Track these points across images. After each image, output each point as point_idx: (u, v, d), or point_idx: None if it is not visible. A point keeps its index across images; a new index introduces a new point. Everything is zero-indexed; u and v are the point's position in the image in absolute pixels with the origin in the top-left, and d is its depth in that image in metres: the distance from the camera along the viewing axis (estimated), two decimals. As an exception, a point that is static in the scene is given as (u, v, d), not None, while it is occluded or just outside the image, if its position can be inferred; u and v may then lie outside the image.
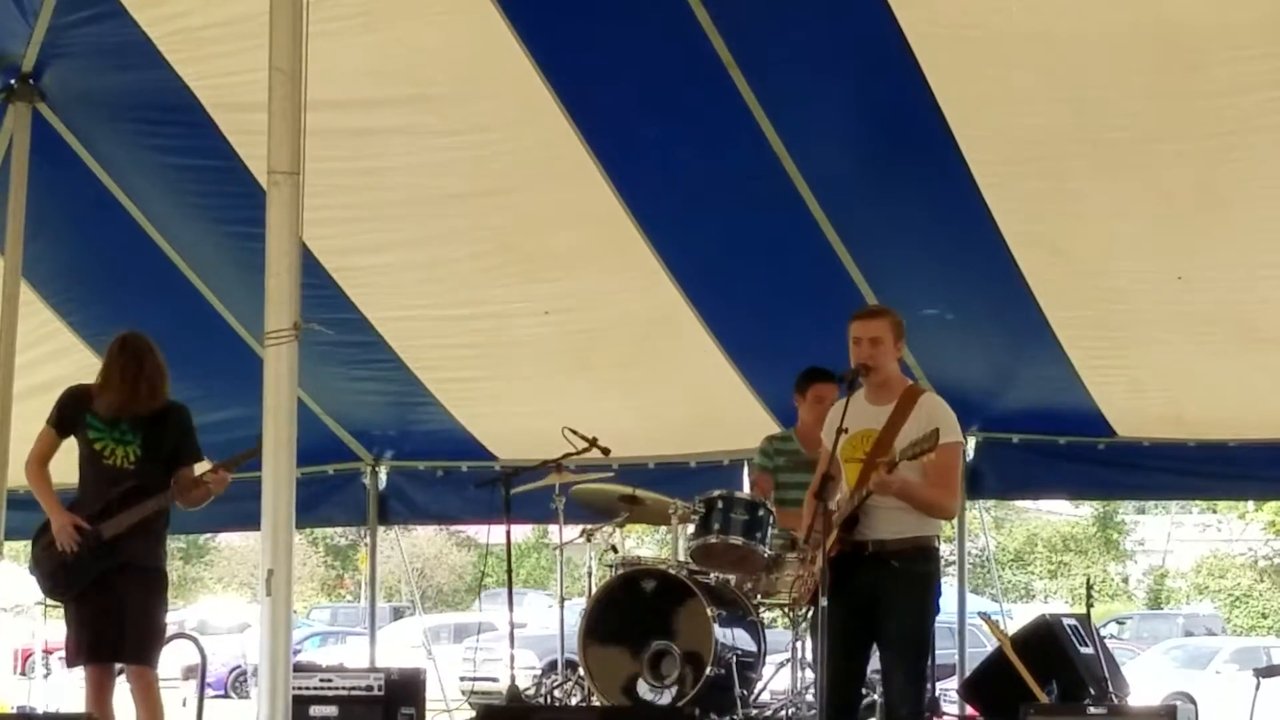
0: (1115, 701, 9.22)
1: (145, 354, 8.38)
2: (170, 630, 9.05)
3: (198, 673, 10.36)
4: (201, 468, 8.50)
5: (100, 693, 8.24)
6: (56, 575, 8.28)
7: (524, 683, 10.87)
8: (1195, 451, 10.89)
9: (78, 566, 8.18)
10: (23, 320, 9.94)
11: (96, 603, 8.15)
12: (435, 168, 9.82)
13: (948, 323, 10.30)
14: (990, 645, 9.87)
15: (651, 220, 9.97)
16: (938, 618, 7.89)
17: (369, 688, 9.05)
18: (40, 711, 12.65)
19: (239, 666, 31.92)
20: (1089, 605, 10.53)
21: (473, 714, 9.69)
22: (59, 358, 11.53)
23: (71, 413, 8.43)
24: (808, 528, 7.71)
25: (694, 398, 11.46)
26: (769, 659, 9.48)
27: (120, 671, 8.47)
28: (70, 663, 8.45)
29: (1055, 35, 8.10)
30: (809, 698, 8.99)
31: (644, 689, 8.93)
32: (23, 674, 27.24)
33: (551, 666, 15.88)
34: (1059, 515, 51.51)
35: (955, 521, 12.08)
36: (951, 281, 10.02)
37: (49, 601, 8.50)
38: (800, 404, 9.73)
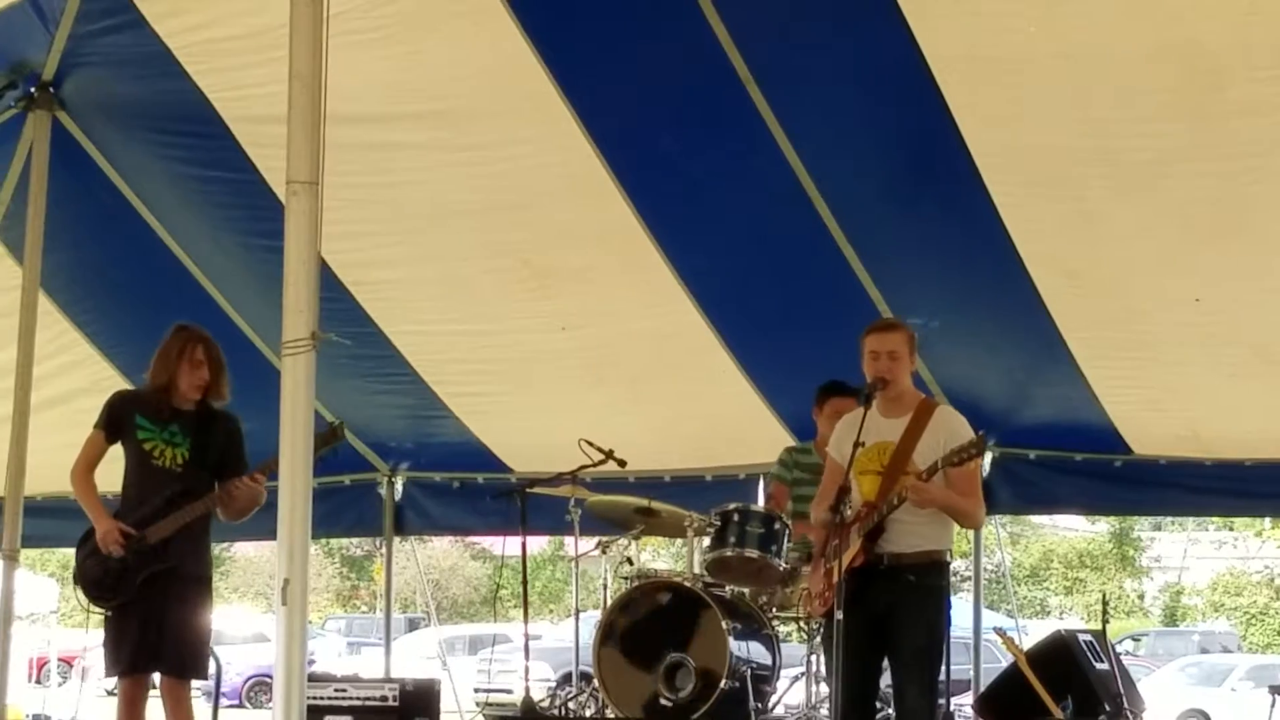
0: (1130, 718, 9.21)
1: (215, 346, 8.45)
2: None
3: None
4: None
5: (133, 705, 8.18)
6: (102, 582, 8.18)
7: (539, 694, 10.86)
8: (1211, 470, 10.87)
9: (123, 572, 8.11)
10: (39, 331, 9.95)
11: (141, 611, 8.08)
12: (453, 182, 9.83)
13: (966, 339, 10.30)
14: (1005, 661, 9.86)
15: (668, 236, 9.98)
16: (953, 633, 7.88)
17: (384, 698, 9.06)
18: (54, 720, 12.69)
19: (254, 676, 32.01)
20: (1104, 621, 10.51)
21: (487, 726, 9.70)
22: (75, 369, 11.57)
23: (120, 414, 8.35)
24: (823, 542, 7.71)
25: (710, 412, 11.46)
26: (784, 672, 9.48)
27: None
28: (109, 671, 8.31)
29: (1073, 56, 8.08)
30: (824, 712, 8.99)
31: (658, 701, 8.92)
32: (37, 682, 27.26)
33: (566, 678, 15.87)
34: (1075, 531, 51.49)
35: (971, 537, 12.09)
36: (968, 299, 10.01)
37: (92, 609, 8.30)
38: (818, 417, 9.72)
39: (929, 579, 7.55)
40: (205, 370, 8.29)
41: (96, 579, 8.23)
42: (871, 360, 7.69)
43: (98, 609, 8.28)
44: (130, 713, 8.17)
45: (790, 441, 10.79)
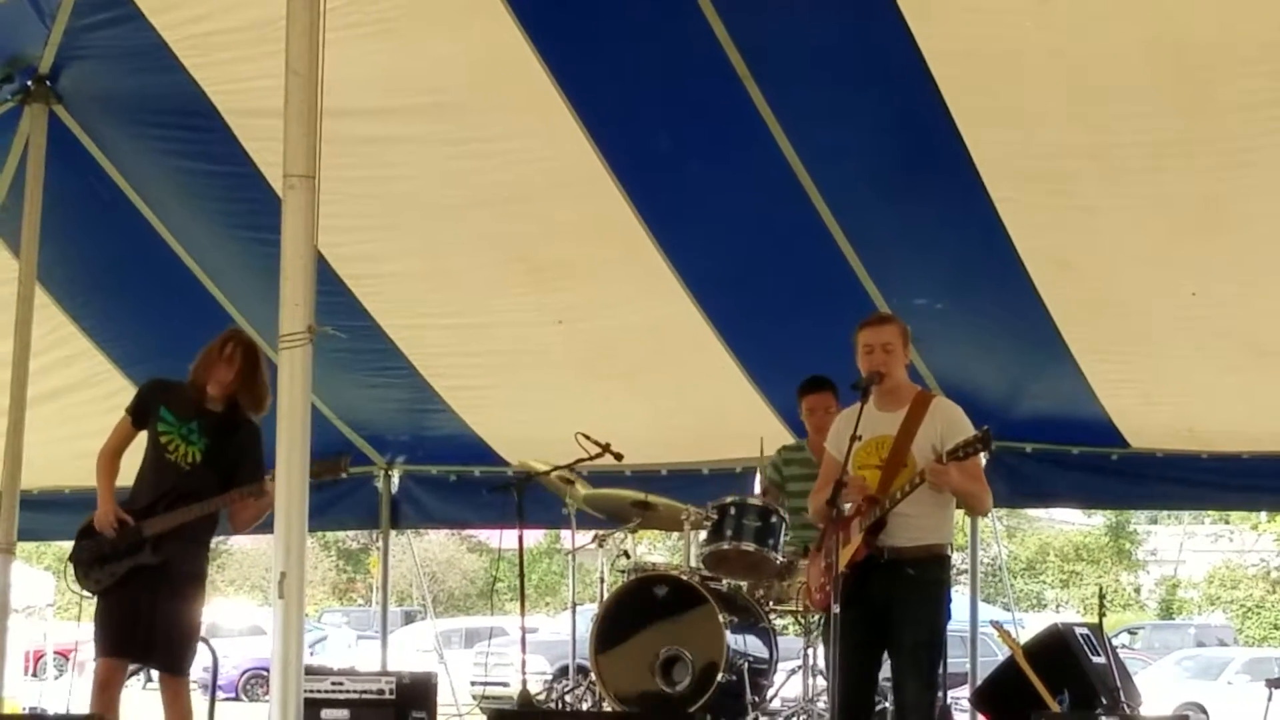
0: (1127, 711, 9.21)
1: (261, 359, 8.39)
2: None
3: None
4: None
5: (107, 688, 8.17)
6: (91, 566, 8.23)
7: (535, 687, 10.87)
8: (1207, 463, 10.89)
9: (112, 559, 8.15)
10: (36, 325, 9.95)
11: (127, 600, 8.11)
12: (450, 176, 9.82)
13: (962, 333, 10.30)
14: (1002, 654, 9.86)
15: (664, 230, 9.97)
16: (950, 626, 7.88)
17: (380, 691, 9.05)
18: (51, 713, 12.66)
19: (251, 669, 32.02)
20: (1101, 615, 10.48)
21: (484, 718, 9.69)
22: (71, 363, 11.55)
23: (147, 402, 8.37)
24: (821, 535, 7.70)
25: (706, 405, 11.46)
26: (781, 666, 9.48)
27: (134, 672, 8.44)
28: (96, 653, 8.26)
29: (1068, 51, 8.09)
30: (820, 705, 9.00)
31: (655, 694, 8.92)
32: (34, 675, 27.27)
33: (563, 671, 15.88)
34: (1071, 525, 51.53)
35: (968, 530, 12.08)
36: (964, 293, 10.01)
37: (80, 592, 8.34)
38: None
39: (929, 573, 7.55)
40: (233, 373, 8.26)
41: (85, 562, 8.29)
42: (866, 355, 7.69)
43: (83, 590, 8.31)
44: (102, 695, 8.15)
45: (786, 434, 10.80)
